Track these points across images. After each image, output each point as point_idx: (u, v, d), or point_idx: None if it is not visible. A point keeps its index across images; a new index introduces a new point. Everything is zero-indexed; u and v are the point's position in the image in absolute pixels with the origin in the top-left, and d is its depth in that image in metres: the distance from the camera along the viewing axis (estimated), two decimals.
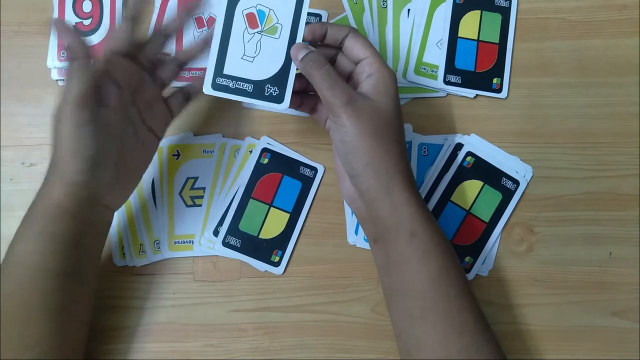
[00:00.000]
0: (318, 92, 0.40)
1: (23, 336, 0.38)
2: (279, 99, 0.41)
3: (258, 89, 0.41)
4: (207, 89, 0.41)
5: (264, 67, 0.41)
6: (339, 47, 0.43)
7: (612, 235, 0.49)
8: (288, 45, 0.41)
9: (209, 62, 0.41)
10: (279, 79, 0.41)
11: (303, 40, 0.41)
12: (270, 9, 0.41)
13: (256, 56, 0.41)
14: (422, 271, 0.40)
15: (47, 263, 0.39)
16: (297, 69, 0.41)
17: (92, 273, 0.43)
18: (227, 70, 0.41)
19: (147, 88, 0.44)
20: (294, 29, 0.41)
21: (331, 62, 0.43)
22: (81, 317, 0.43)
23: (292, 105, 0.43)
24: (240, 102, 0.51)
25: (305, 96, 0.46)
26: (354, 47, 0.42)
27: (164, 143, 0.51)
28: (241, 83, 0.41)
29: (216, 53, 0.41)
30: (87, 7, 0.53)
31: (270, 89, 0.41)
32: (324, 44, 0.43)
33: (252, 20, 0.41)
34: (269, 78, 0.41)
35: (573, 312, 0.48)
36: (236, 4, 0.41)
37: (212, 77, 0.41)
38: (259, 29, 0.41)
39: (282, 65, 0.41)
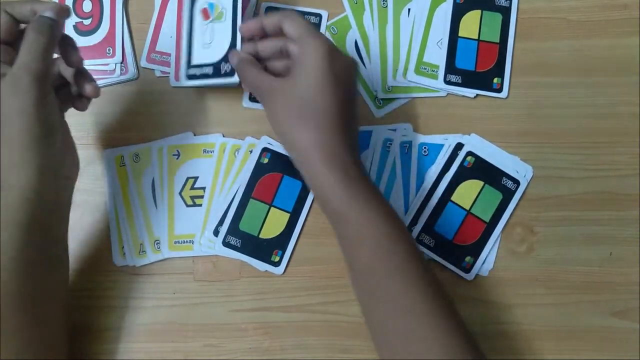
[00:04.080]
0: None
1: None
2: (232, 74, 0.46)
3: (216, 70, 0.47)
4: (184, 82, 0.48)
5: (218, 49, 0.47)
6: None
7: (612, 235, 0.49)
8: (232, 25, 0.47)
9: (182, 58, 0.47)
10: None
11: (242, 39, 0.46)
12: (216, 0, 0.47)
13: (212, 42, 0.47)
14: (359, 252, 0.40)
15: (17, 253, 0.37)
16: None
17: (63, 256, 0.43)
18: (194, 60, 0.48)
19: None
20: (234, 10, 0.47)
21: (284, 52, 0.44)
22: (57, 304, 0.41)
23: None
24: (241, 102, 0.51)
25: None
26: (288, 30, 0.42)
27: (164, 143, 0.51)
28: (204, 68, 0.47)
29: (187, 49, 0.47)
30: (87, 7, 0.53)
31: (225, 66, 0.46)
32: (272, 36, 0.44)
33: (205, 14, 0.48)
34: (222, 57, 0.47)
35: (573, 312, 0.48)
36: (193, 4, 0.48)
37: (185, 70, 0.47)
38: (211, 18, 0.47)
39: (230, 44, 0.47)
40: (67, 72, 0.45)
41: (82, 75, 0.44)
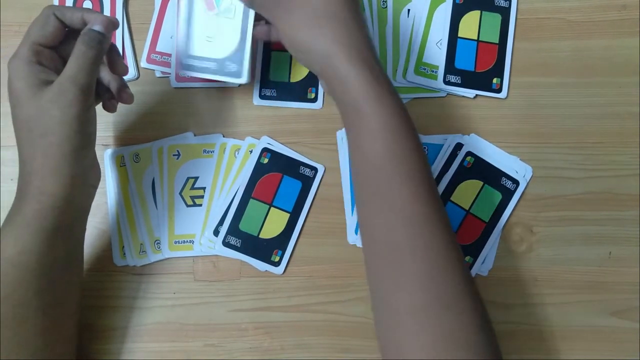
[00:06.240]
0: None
1: (18, 335, 0.38)
2: (238, 74, 0.46)
3: (220, 66, 0.46)
4: (180, 71, 0.47)
5: (223, 46, 0.46)
6: None
7: (611, 235, 0.49)
8: (242, 24, 0.45)
9: (178, 47, 0.46)
10: (237, 55, 0.46)
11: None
12: None
13: (215, 37, 0.46)
14: (368, 152, 0.38)
15: (42, 260, 0.38)
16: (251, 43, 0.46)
17: (80, 260, 0.44)
18: (194, 52, 0.46)
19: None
20: (246, 8, 0.45)
21: None
22: (73, 308, 0.43)
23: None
24: (241, 103, 0.51)
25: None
26: None
27: (164, 143, 0.51)
28: (206, 62, 0.46)
29: (184, 38, 0.46)
30: (87, 7, 0.53)
31: (230, 65, 0.46)
32: None
33: (209, 3, 0.46)
34: (228, 55, 0.46)
35: (573, 312, 0.48)
36: None
37: (182, 59, 0.46)
38: (216, 11, 0.46)
39: (239, 43, 0.46)
40: (101, 73, 0.45)
41: (120, 82, 0.45)
